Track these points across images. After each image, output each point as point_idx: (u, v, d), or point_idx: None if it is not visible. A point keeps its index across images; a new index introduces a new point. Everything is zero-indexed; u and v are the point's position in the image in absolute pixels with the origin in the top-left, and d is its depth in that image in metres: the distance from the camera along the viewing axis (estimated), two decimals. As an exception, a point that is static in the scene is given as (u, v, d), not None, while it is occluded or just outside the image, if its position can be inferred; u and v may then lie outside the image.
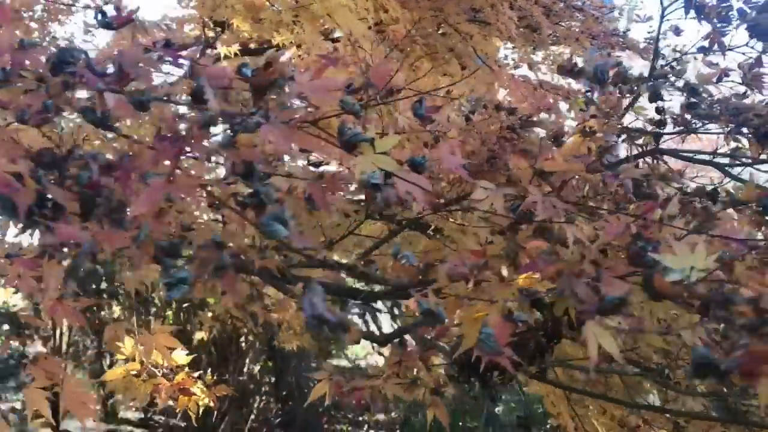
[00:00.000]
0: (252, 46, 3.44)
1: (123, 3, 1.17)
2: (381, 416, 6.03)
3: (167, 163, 0.89)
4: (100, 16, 1.11)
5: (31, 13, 3.75)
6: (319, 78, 1.18)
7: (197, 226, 1.63)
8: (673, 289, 0.78)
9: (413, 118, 2.23)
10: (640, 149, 2.06)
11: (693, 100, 1.70)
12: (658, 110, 1.99)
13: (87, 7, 3.91)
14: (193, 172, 1.00)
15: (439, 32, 3.30)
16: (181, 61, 1.10)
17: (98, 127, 0.93)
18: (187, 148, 0.91)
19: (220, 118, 1.00)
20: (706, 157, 2.07)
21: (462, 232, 1.97)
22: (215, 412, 4.99)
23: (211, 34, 3.89)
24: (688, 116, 1.77)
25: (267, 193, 0.79)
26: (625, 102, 1.91)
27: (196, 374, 1.67)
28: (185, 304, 5.19)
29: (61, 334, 4.80)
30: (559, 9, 4.18)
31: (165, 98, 1.10)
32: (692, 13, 2.04)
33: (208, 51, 3.63)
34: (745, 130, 1.84)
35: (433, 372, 1.59)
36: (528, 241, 1.27)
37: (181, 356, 1.64)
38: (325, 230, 1.93)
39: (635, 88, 1.77)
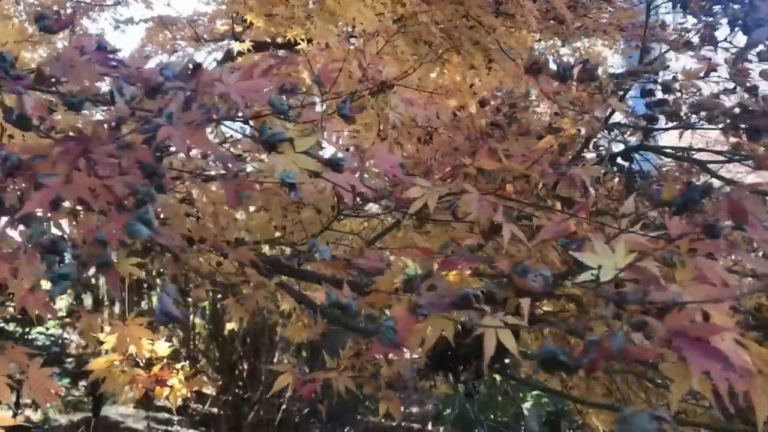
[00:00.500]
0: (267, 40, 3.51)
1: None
2: (415, 409, 6.05)
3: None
4: (41, 21, 1.16)
5: (62, 11, 3.94)
6: (249, 79, 1.21)
7: (172, 220, 1.68)
8: (534, 287, 0.78)
9: (404, 114, 2.24)
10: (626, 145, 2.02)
11: (664, 96, 1.65)
12: (649, 105, 1.93)
13: (117, 3, 4.08)
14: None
15: (465, 25, 3.28)
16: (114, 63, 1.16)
17: (16, 127, 0.98)
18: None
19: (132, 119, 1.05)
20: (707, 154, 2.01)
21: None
22: (248, 402, 5.12)
23: (239, 29, 3.99)
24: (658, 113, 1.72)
25: (148, 192, 0.82)
26: (609, 98, 1.87)
27: (178, 366, 1.73)
28: (219, 296, 5.32)
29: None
30: (586, 0, 4.09)
31: (93, 100, 1.16)
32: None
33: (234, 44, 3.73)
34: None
35: (394, 366, 1.60)
36: (465, 238, 1.27)
37: (162, 348, 1.71)
38: (306, 226, 1.96)
39: (615, 84, 1.73)
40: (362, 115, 2.64)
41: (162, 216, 1.65)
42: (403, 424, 5.74)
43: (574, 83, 1.60)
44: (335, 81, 2.33)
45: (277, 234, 1.89)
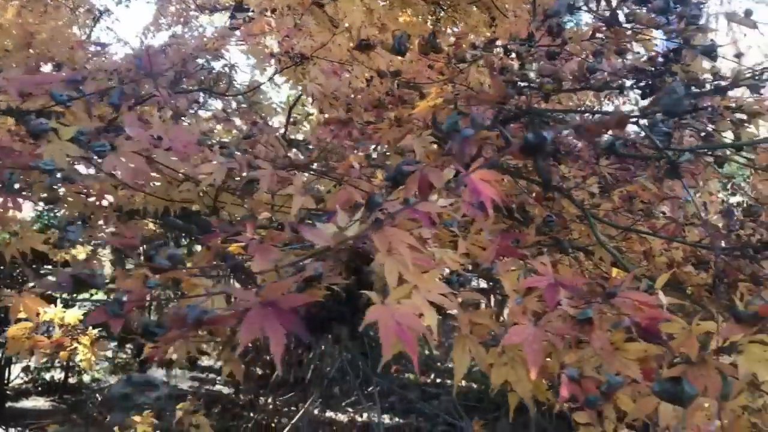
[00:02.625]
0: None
1: None
2: (451, 364, 6.12)
3: None
4: None
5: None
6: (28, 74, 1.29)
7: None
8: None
9: (323, 86, 2.27)
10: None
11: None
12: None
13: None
14: None
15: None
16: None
17: None
18: None
19: None
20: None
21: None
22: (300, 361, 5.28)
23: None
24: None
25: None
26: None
27: (94, 332, 1.89)
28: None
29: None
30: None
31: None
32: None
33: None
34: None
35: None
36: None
37: (72, 315, 1.87)
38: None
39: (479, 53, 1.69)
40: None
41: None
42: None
43: (421, 56, 1.58)
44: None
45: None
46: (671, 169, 1.17)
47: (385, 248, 0.91)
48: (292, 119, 2.82)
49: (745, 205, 1.56)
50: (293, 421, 4.20)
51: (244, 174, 1.35)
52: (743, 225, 1.58)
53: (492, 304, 1.51)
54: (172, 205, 1.83)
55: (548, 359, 1.00)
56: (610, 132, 1.67)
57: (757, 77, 1.44)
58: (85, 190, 1.61)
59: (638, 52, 1.83)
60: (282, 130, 2.53)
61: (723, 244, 1.76)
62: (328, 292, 1.57)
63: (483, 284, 1.49)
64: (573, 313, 0.97)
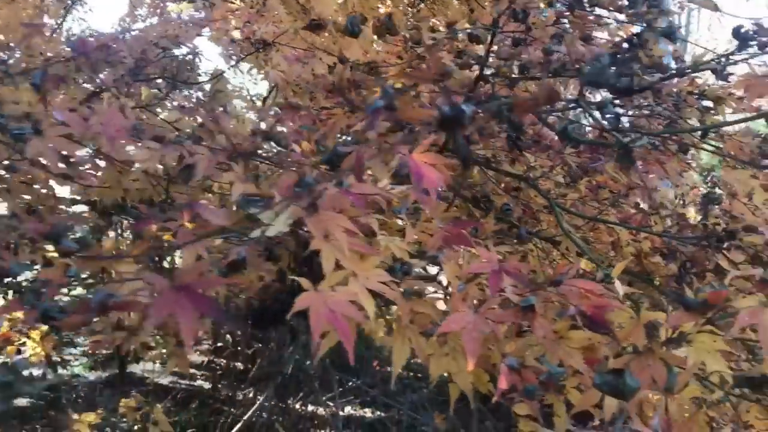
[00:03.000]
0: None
1: None
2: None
3: None
4: None
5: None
6: None
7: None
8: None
9: (286, 73, 2.20)
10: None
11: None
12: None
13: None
14: None
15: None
16: None
17: None
18: None
19: None
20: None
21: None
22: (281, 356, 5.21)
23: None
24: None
25: None
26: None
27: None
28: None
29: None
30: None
31: None
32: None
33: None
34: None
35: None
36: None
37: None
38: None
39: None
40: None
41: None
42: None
43: (376, 37, 1.52)
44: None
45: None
46: (623, 154, 1.12)
47: (320, 233, 0.85)
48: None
49: (714, 194, 1.51)
50: (247, 414, 4.14)
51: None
52: (707, 214, 1.54)
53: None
54: (128, 195, 1.76)
55: (491, 348, 0.95)
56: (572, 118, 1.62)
57: (717, 61, 1.40)
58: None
59: (606, 39, 1.79)
60: (261, 123, 2.46)
61: (690, 233, 1.72)
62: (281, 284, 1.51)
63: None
64: (516, 300, 0.91)
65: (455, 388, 0.95)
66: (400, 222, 1.27)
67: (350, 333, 0.82)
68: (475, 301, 0.93)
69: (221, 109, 1.92)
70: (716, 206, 1.53)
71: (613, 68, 1.40)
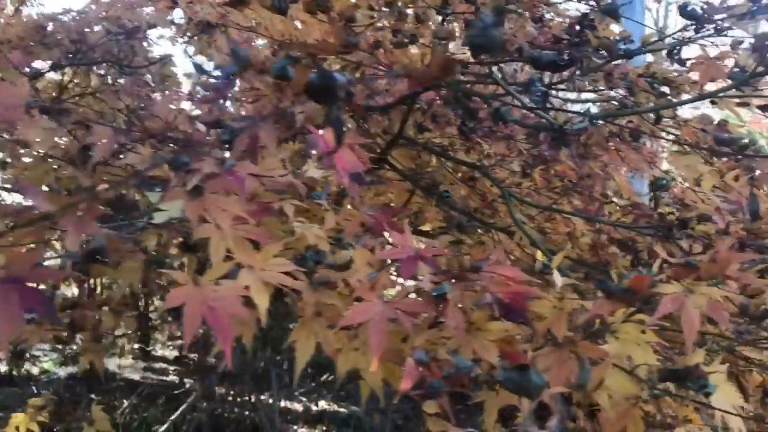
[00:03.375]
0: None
1: None
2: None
3: None
4: None
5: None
6: None
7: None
8: None
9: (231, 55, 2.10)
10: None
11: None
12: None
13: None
14: None
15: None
16: None
17: None
18: None
19: None
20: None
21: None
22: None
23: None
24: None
25: None
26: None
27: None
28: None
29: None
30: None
31: None
32: None
33: None
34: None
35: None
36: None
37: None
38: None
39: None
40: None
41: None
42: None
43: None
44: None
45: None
46: (557, 137, 1.04)
47: (196, 218, 0.77)
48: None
49: (662, 181, 1.44)
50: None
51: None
52: (657, 202, 1.47)
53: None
54: (58, 183, 1.66)
55: (406, 341, 0.87)
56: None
57: (661, 40, 1.32)
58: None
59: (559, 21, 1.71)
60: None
61: (645, 223, 1.65)
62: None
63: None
64: (429, 289, 0.83)
65: (366, 385, 0.87)
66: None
67: (229, 333, 0.74)
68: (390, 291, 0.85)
69: (166, 93, 1.82)
70: (665, 193, 1.46)
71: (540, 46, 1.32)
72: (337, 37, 0.85)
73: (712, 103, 1.27)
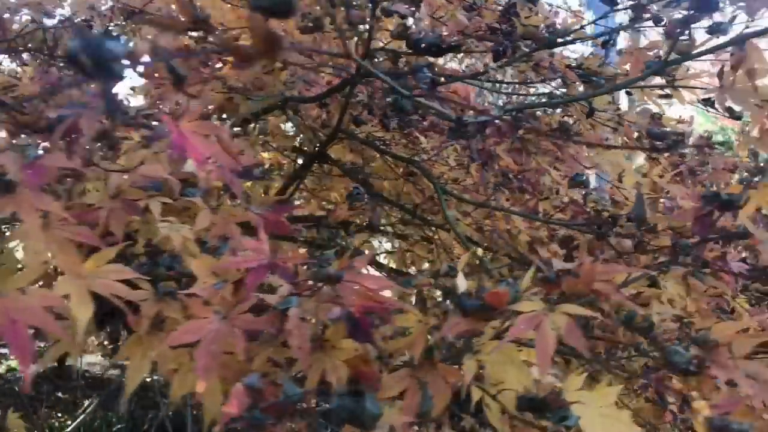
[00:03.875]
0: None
1: None
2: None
3: None
4: None
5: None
6: None
7: None
8: None
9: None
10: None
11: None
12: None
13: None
14: None
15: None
16: None
17: None
18: None
19: None
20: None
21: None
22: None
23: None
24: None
25: None
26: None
27: None
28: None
29: None
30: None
31: None
32: None
33: None
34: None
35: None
36: None
37: None
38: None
39: None
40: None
41: None
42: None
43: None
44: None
45: None
46: (455, 128, 0.94)
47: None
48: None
49: (581, 177, 1.35)
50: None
51: None
52: (585, 198, 1.37)
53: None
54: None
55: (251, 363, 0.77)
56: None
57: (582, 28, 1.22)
58: None
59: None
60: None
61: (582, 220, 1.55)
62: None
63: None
64: (275, 303, 0.73)
65: (207, 411, 0.77)
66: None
67: (28, 346, 0.64)
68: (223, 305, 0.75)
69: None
70: (584, 190, 1.36)
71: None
72: (185, 12, 0.74)
73: (627, 93, 1.17)
